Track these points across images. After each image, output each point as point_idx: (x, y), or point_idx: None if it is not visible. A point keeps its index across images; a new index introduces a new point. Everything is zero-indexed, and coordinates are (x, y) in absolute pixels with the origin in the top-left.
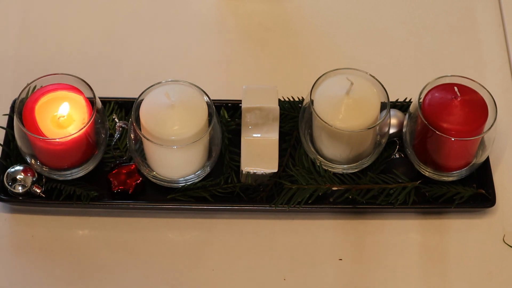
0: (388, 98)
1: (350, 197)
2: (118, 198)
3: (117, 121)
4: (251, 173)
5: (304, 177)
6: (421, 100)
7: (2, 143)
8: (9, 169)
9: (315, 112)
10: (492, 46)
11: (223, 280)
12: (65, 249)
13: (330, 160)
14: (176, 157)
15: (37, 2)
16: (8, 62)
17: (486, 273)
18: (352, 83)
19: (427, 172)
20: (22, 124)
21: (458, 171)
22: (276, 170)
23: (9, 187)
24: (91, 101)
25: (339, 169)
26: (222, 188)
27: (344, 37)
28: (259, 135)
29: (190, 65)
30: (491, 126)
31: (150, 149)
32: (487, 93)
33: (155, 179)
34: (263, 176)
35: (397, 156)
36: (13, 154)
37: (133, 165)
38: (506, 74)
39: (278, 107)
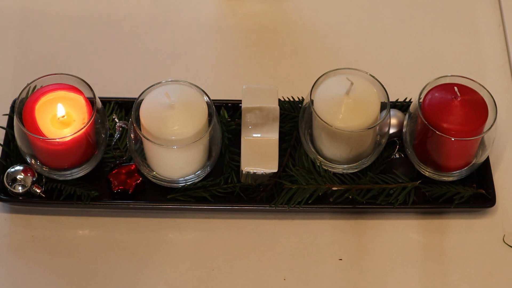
0: (388, 98)
1: (350, 197)
2: (118, 198)
3: (117, 121)
4: (251, 173)
5: (304, 177)
6: (421, 100)
7: (2, 143)
8: (9, 169)
9: (315, 112)
10: (492, 46)
11: (223, 280)
12: (65, 249)
13: (330, 160)
14: (176, 157)
15: (37, 1)
16: (8, 62)
17: (486, 273)
18: (352, 83)
19: (427, 172)
20: (22, 124)
21: (458, 171)
22: (276, 170)
23: (9, 187)
24: (91, 101)
25: (339, 169)
26: (222, 188)
27: (344, 37)
28: (259, 135)
29: (190, 65)
30: (491, 126)
31: (150, 149)
32: (487, 93)
33: (155, 179)
34: (263, 176)
35: (397, 156)
36: (13, 154)
37: (133, 165)
38: (506, 74)
39: (278, 107)
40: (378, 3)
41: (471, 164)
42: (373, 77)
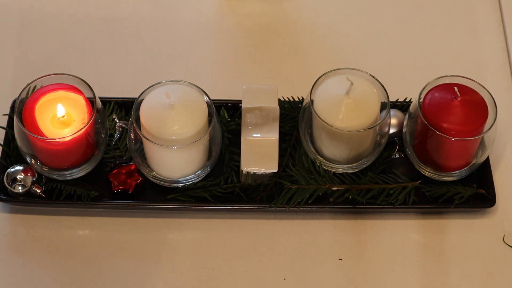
0: (388, 98)
1: (350, 197)
2: (118, 198)
3: (117, 121)
4: (251, 173)
5: (304, 177)
6: (421, 100)
7: (2, 143)
8: (9, 169)
9: (315, 112)
10: (492, 46)
11: (223, 280)
12: (65, 249)
13: (330, 160)
14: (176, 157)
15: (37, 1)
16: (8, 62)
17: (486, 273)
18: (352, 83)
19: (427, 172)
20: (22, 124)
21: (458, 171)
22: (276, 170)
23: (9, 187)
24: (91, 101)
25: (339, 169)
26: (222, 188)
27: (344, 37)
28: (259, 135)
29: (190, 65)
30: (491, 126)
31: (150, 149)
32: (487, 93)
33: (155, 179)
34: (263, 176)
35: (397, 156)
36: (13, 154)
37: (133, 165)
38: (506, 74)
39: (278, 107)
40: (378, 3)
41: (471, 164)
42: (373, 77)
